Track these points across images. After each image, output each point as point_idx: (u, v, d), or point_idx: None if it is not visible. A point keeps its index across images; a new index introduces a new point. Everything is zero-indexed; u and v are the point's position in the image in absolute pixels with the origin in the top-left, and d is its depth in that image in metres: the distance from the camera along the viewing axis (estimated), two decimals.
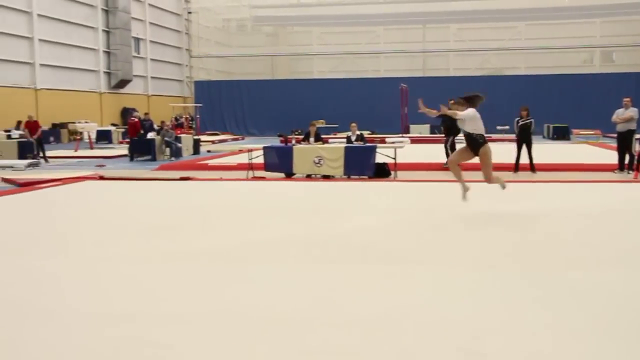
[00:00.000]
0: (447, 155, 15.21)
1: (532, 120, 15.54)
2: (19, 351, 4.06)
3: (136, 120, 25.31)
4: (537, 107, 24.17)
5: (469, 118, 9.16)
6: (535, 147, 15.73)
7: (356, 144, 15.65)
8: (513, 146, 15.79)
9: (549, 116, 33.85)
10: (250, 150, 16.16)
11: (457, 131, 14.71)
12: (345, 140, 17.06)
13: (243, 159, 16.94)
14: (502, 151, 15.67)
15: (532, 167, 15.30)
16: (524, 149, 15.35)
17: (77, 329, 4.44)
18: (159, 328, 4.44)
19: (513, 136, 16.79)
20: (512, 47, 45.74)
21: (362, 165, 14.59)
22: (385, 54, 48.17)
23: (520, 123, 15.52)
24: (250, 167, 15.26)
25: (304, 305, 4.97)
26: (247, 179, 14.52)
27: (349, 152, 14.66)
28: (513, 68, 46.10)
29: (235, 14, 50.49)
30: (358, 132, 16.35)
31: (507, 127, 29.01)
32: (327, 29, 49.64)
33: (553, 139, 31.84)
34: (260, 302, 5.03)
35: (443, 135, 17.06)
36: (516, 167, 15.40)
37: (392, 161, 14.83)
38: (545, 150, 19.77)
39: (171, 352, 4.04)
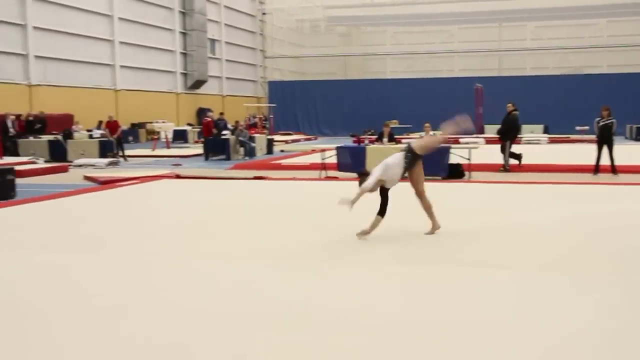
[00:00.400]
0: (505, 158, 15.40)
1: (613, 120, 15.02)
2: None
3: (209, 120, 25.73)
4: (620, 107, 23.35)
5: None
6: (617, 148, 15.20)
7: None
8: (593, 147, 15.30)
9: (633, 116, 32.67)
10: (323, 150, 16.19)
11: (514, 135, 14.86)
12: None
13: (316, 158, 16.99)
14: (582, 152, 15.21)
15: (614, 169, 14.79)
16: (605, 150, 14.85)
17: (175, 323, 4.52)
18: (233, 326, 4.48)
19: (593, 137, 16.29)
20: (593, 45, 44.36)
21: (436, 165, 14.40)
22: (460, 53, 47.51)
23: (601, 123, 15.02)
24: (323, 167, 15.28)
25: (405, 307, 4.92)
26: (320, 179, 14.55)
27: None
28: (594, 67, 44.67)
29: (309, 15, 50.74)
30: (432, 133, 16.17)
31: (586, 127, 28.14)
32: (400, 29, 49.30)
33: (636, 139, 30.71)
34: (348, 302, 5.01)
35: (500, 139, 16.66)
36: (596, 168, 14.92)
37: (467, 162, 14.60)
38: (627, 152, 19.07)
39: (249, 350, 4.06)
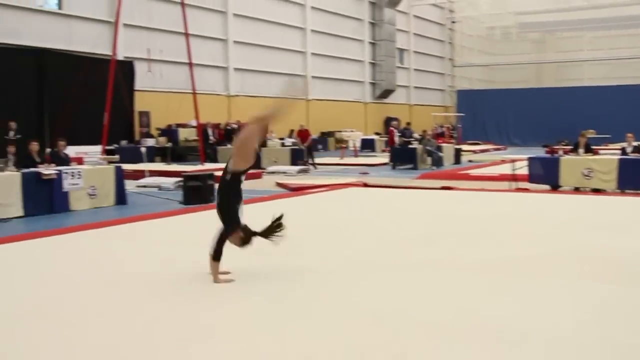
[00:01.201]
0: None
1: None
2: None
3: (392, 129, 25.82)
4: None
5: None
6: None
7: (632, 155, 14.40)
8: None
9: None
10: (513, 161, 15.62)
11: None
12: (619, 151, 15.80)
13: (506, 169, 16.43)
14: None
15: None
16: None
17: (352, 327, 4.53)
18: (413, 335, 4.38)
19: None
20: None
21: (639, 179, 13.38)
22: None
23: None
24: (514, 178, 14.74)
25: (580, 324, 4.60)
26: (510, 190, 14.05)
27: (624, 165, 13.54)
28: None
29: (500, 22, 49.39)
30: (635, 143, 15.04)
31: None
32: (598, 33, 46.53)
33: None
34: (534, 320, 4.75)
35: None
36: None
37: None
38: None
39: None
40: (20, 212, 10.98)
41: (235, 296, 5.41)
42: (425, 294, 5.49)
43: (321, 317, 4.84)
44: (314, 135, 29.79)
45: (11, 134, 18.41)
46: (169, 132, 27.49)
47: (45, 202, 11.47)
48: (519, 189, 14.18)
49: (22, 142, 14.90)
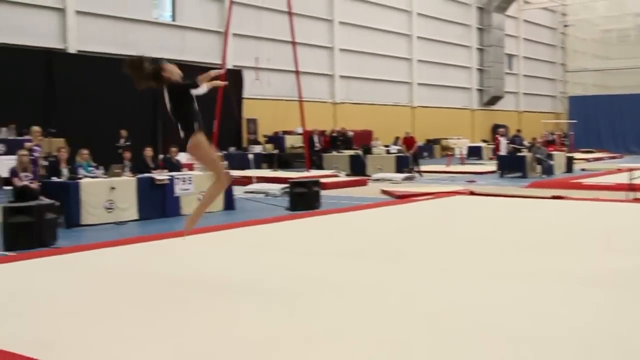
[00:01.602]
0: None
1: None
2: None
3: (498, 136, 25.24)
4: None
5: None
6: None
7: None
8: None
9: None
10: (631, 170, 14.90)
11: None
12: None
13: (622, 178, 15.69)
14: None
15: None
16: None
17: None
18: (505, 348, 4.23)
19: None
20: None
21: None
22: None
23: None
24: (632, 187, 14.05)
25: None
26: (627, 201, 13.39)
27: None
28: None
29: (617, 24, 47.29)
30: None
31: None
32: None
33: None
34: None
35: None
36: None
37: None
38: None
39: None
40: (135, 215, 11.45)
41: (345, 303, 5.40)
42: (549, 307, 5.27)
43: (444, 329, 4.75)
44: (420, 142, 29.52)
45: (122, 141, 19.26)
46: (276, 139, 27.98)
47: (158, 207, 11.90)
48: (636, 200, 13.51)
49: (132, 149, 15.49)
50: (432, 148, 35.75)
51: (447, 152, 32.41)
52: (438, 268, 6.81)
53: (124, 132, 19.57)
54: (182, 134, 5.83)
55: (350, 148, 25.42)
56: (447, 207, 12.62)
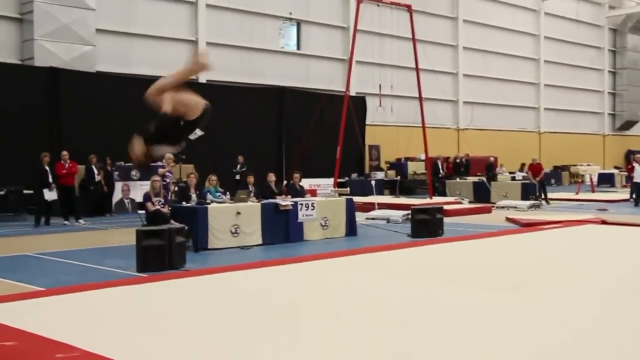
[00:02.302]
0: None
1: None
2: None
3: (633, 162, 23.93)
4: None
5: None
6: None
7: None
8: None
9: None
10: None
11: None
12: None
13: None
14: None
15: None
16: None
17: None
18: None
19: None
20: None
21: None
22: None
23: None
24: None
25: None
26: None
27: None
28: None
29: None
30: None
31: None
32: None
33: None
34: None
35: None
36: None
37: None
38: None
39: None
40: (259, 240, 11.71)
41: (462, 333, 5.27)
42: None
43: None
44: (546, 169, 28.55)
45: (238, 167, 19.79)
46: (398, 166, 27.94)
47: (282, 232, 12.12)
48: None
49: (255, 174, 15.81)
50: (560, 175, 34.49)
51: (577, 179, 31.14)
52: (565, 301, 6.51)
53: (240, 158, 20.12)
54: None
55: (467, 174, 24.95)
56: (576, 236, 12.09)
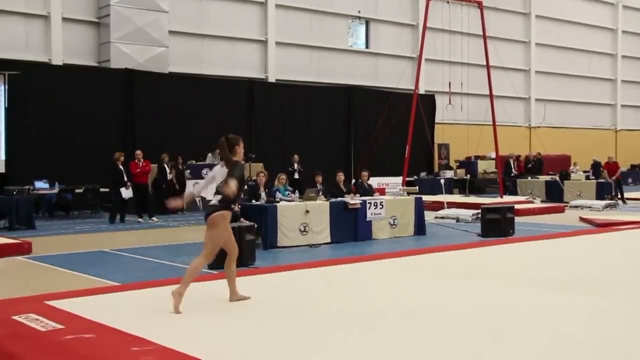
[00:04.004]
0: None
1: None
2: None
3: None
4: None
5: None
6: None
7: None
8: None
9: None
10: None
11: None
12: None
13: None
14: None
15: None
16: None
17: None
18: None
19: None
20: None
21: None
22: None
23: None
24: None
25: None
26: None
27: None
28: None
29: None
30: None
31: None
32: None
33: None
34: None
35: None
36: None
37: None
38: None
39: None
40: (327, 239, 11.77)
41: (531, 333, 5.17)
42: None
43: None
44: (623, 167, 27.66)
45: (295, 165, 19.77)
46: (468, 164, 27.58)
47: (350, 230, 12.14)
48: None
49: (324, 173, 15.79)
50: (637, 174, 33.35)
51: None
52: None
53: (296, 157, 20.10)
54: (214, 201, 6.25)
55: (540, 173, 24.41)
56: None
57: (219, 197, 6.19)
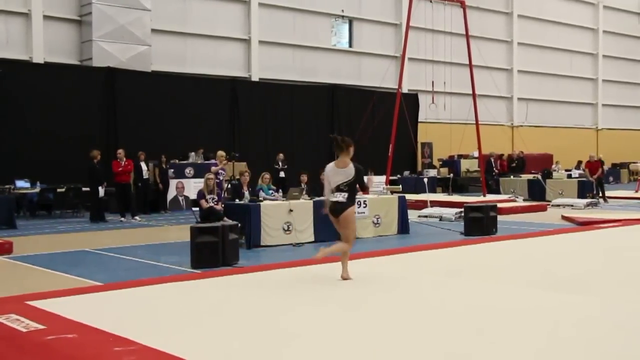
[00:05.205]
0: None
1: None
2: None
3: None
4: None
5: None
6: None
7: None
8: None
9: None
10: None
11: None
12: None
13: None
14: None
15: None
16: None
17: None
18: None
19: None
20: None
21: None
22: None
23: None
24: None
25: None
26: None
27: None
28: None
29: None
30: None
31: None
32: None
33: None
34: None
35: None
36: None
37: None
38: None
39: None
40: (311, 237, 11.76)
41: (512, 331, 5.20)
42: None
43: None
44: (605, 166, 27.90)
45: (280, 164, 19.86)
46: (451, 163, 27.69)
47: (334, 229, 12.04)
48: None
49: (288, 172, 15.79)
50: (618, 172, 33.67)
51: (636, 177, 30.38)
52: (622, 302, 6.36)
53: (280, 156, 20.13)
54: (342, 199, 7.29)
55: (522, 172, 24.57)
56: (635, 235, 11.79)
57: (344, 194, 7.28)
